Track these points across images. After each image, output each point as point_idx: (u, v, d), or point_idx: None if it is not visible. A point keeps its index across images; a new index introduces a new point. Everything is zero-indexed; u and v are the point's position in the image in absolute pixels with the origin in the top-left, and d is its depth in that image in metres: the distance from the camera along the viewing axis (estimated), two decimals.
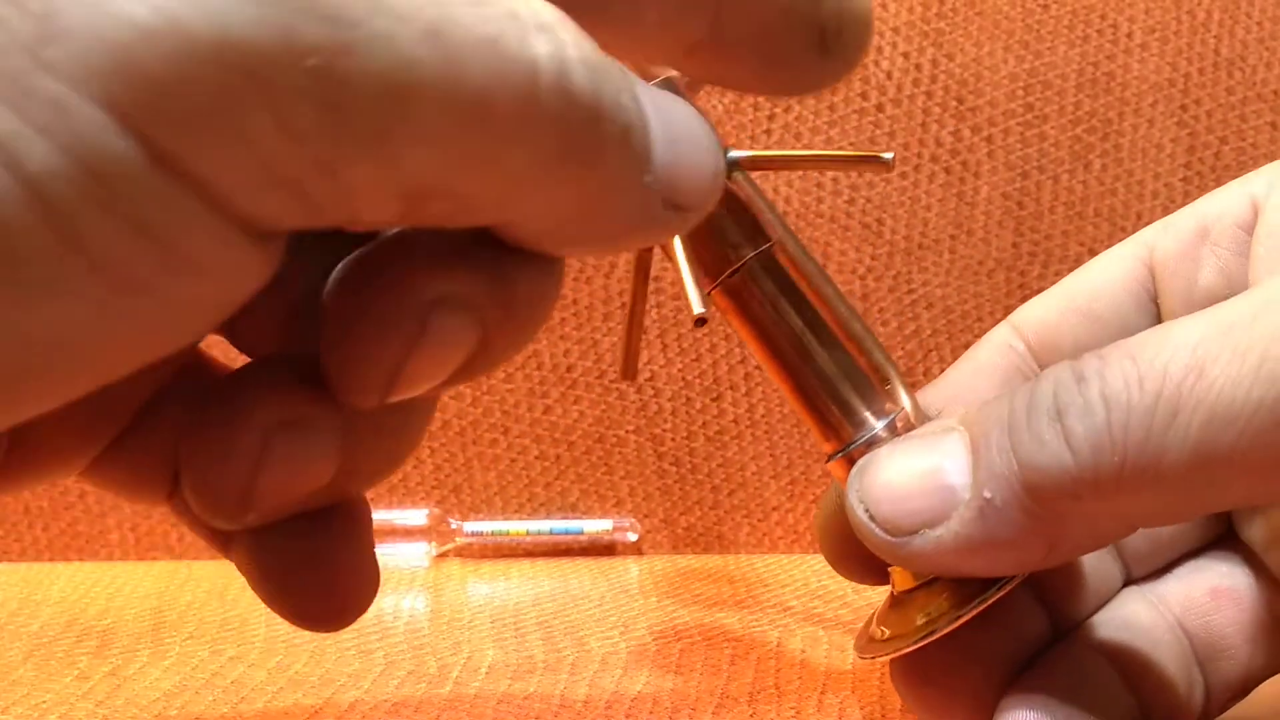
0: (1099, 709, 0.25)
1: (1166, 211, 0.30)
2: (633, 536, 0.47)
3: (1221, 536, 0.29)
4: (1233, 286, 0.26)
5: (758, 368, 0.47)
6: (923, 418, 0.26)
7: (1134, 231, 0.30)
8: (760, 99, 0.45)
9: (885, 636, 0.26)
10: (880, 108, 0.46)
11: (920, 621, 0.25)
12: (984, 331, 0.30)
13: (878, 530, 0.24)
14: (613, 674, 0.33)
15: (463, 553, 0.47)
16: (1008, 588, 0.24)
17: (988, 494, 0.22)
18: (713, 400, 0.47)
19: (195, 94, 0.13)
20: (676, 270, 0.24)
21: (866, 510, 0.24)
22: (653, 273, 0.27)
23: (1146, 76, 0.46)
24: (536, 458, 0.47)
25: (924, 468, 0.23)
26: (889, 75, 0.46)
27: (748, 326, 0.27)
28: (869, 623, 0.28)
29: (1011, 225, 0.47)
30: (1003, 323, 0.30)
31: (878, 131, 0.46)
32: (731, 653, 0.35)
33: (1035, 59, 0.46)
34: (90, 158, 0.13)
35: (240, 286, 0.15)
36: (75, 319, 0.14)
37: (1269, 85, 0.46)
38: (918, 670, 0.26)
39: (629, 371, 0.27)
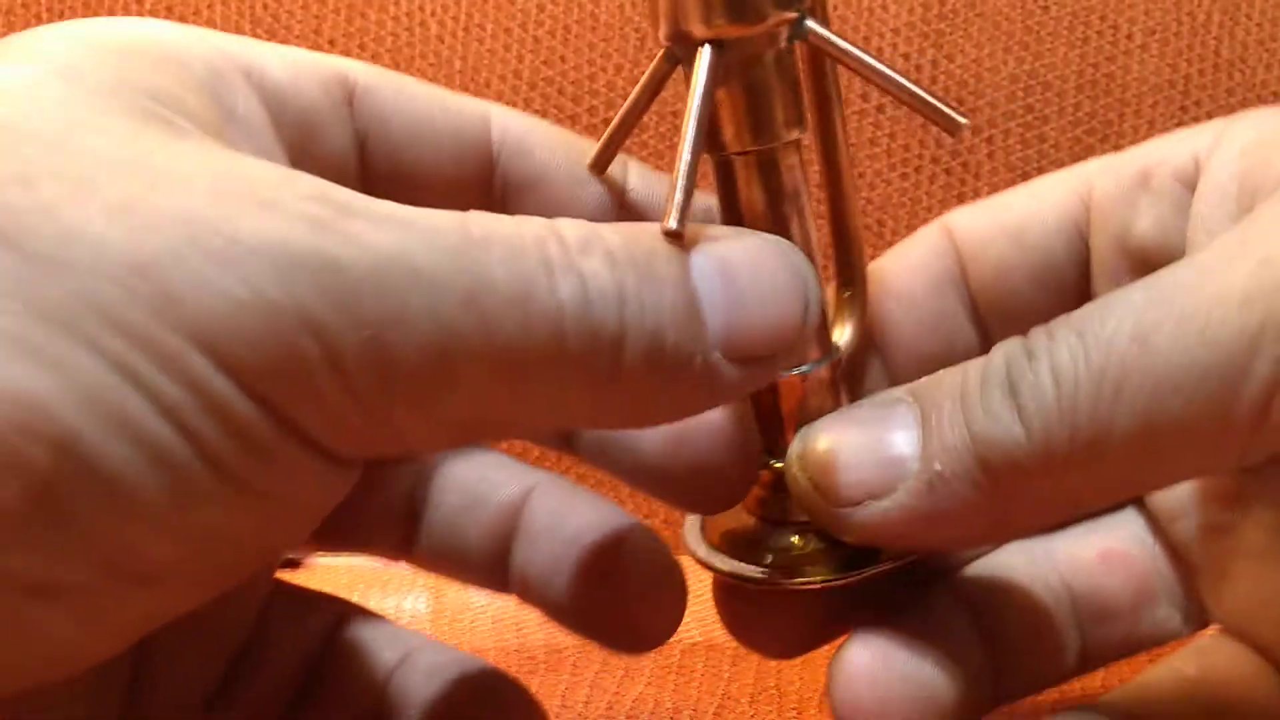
0: (944, 659, 0.24)
1: None
2: None
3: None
4: (1167, 240, 0.26)
5: None
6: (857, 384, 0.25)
7: None
8: None
9: (733, 553, 0.25)
10: (880, 108, 0.46)
11: (783, 561, 0.25)
12: None
13: (820, 500, 0.23)
14: (614, 675, 0.34)
15: None
16: (889, 566, 0.24)
17: (938, 466, 0.22)
18: None
19: (282, 357, 0.17)
20: (673, 176, 0.21)
21: (809, 479, 0.23)
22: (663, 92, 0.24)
23: (1146, 78, 0.46)
24: (538, 458, 0.47)
25: (871, 438, 0.23)
26: None
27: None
28: (714, 517, 0.26)
29: None
30: (935, 223, 0.29)
31: (878, 132, 0.46)
32: (733, 653, 0.35)
33: (1035, 60, 0.46)
34: (214, 405, 0.17)
35: (327, 499, 0.20)
36: (218, 517, 0.18)
37: (1269, 87, 0.46)
38: (746, 593, 0.26)
39: (598, 164, 0.25)
